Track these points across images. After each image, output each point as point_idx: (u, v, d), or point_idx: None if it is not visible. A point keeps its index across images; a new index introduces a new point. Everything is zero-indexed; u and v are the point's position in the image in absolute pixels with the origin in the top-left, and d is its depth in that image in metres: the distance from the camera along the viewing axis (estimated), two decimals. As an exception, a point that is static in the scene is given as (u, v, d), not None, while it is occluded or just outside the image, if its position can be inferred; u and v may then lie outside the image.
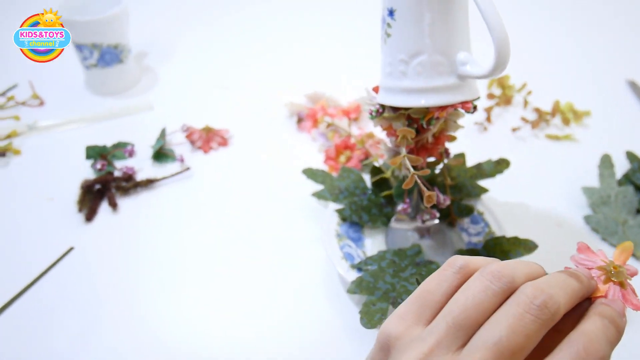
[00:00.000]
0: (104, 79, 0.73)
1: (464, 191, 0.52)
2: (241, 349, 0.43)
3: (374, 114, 0.42)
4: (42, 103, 0.73)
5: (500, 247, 0.46)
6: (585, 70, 0.80)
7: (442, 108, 0.39)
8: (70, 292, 0.48)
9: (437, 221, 0.48)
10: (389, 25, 0.39)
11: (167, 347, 0.44)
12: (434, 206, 0.46)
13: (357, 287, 0.42)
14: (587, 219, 0.54)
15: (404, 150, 0.42)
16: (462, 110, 0.41)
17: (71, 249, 0.51)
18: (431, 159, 0.46)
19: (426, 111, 0.40)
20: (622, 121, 0.70)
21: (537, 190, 0.58)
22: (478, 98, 0.41)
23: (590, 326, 0.25)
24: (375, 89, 0.43)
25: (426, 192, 0.40)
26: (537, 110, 0.69)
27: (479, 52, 0.40)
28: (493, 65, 0.35)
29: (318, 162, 0.61)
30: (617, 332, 0.26)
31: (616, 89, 0.76)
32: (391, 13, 0.38)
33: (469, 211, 0.51)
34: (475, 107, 0.41)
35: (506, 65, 0.35)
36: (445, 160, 0.47)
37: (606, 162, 0.60)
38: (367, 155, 0.59)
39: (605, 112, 0.71)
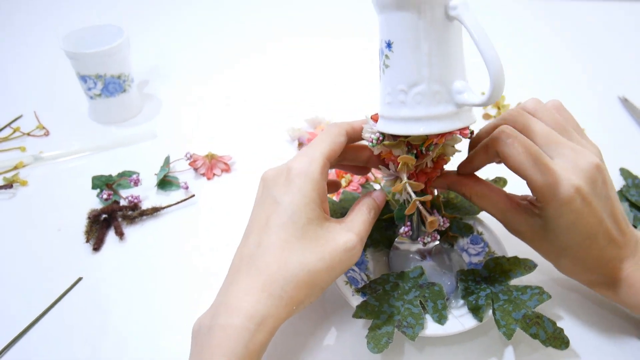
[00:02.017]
0: (108, 109, 0.75)
1: (462, 210, 0.53)
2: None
3: (374, 142, 0.43)
4: (47, 133, 0.74)
5: (500, 267, 0.47)
6: (579, 88, 0.82)
7: (441, 135, 0.41)
8: (80, 323, 0.48)
9: (437, 243, 0.49)
10: (387, 56, 0.40)
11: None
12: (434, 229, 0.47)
13: (362, 312, 0.43)
14: (585, 237, 0.55)
15: (404, 176, 0.43)
16: (460, 136, 0.42)
17: (80, 279, 0.52)
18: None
19: (425, 138, 0.42)
20: (615, 138, 0.71)
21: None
22: (475, 122, 0.42)
23: None
24: (374, 117, 0.44)
25: (429, 218, 0.41)
26: (533, 129, 0.70)
27: (472, 80, 0.41)
28: (489, 95, 0.36)
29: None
30: None
31: (609, 106, 0.78)
32: (389, 45, 0.40)
33: (468, 229, 0.53)
34: (472, 132, 0.43)
35: (501, 93, 0.37)
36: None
37: (601, 180, 0.61)
38: (367, 178, 0.60)
39: (598, 129, 0.72)
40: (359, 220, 0.43)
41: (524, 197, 0.45)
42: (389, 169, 0.46)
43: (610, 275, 0.42)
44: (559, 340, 0.42)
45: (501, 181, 0.55)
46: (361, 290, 0.46)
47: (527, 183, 0.41)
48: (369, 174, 0.58)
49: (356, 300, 0.45)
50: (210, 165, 0.65)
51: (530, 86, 0.82)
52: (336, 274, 0.40)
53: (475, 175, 0.48)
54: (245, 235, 0.42)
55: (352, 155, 0.47)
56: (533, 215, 0.43)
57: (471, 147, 0.47)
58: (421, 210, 0.43)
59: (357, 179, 0.61)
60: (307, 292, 0.39)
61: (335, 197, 0.59)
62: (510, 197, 0.45)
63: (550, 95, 0.79)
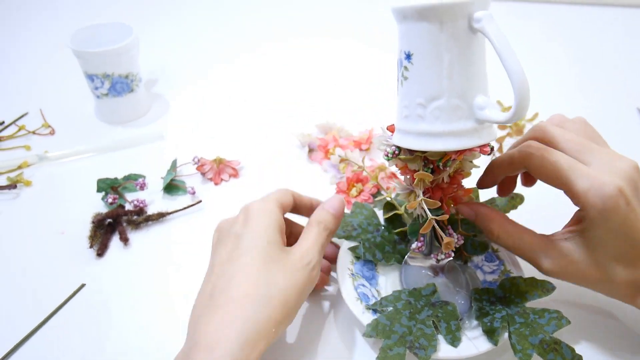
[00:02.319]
0: (115, 108, 0.73)
1: (477, 228, 0.52)
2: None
3: (389, 155, 0.42)
4: (52, 132, 0.73)
5: (516, 288, 0.45)
6: (596, 99, 0.80)
7: (460, 151, 0.39)
8: (82, 331, 0.47)
9: (451, 259, 0.47)
10: (405, 68, 0.38)
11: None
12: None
13: (373, 331, 0.42)
14: (603, 256, 0.53)
15: (420, 193, 0.41)
16: (480, 153, 0.40)
17: (83, 285, 0.51)
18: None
19: (443, 154, 0.40)
20: (634, 149, 0.69)
21: (553, 226, 0.57)
22: (495, 139, 0.40)
23: None
24: (390, 128, 0.43)
25: (445, 239, 0.39)
26: (549, 140, 0.68)
27: (494, 94, 0.40)
28: (513, 111, 0.35)
29: (329, 194, 0.60)
30: None
31: (627, 117, 0.76)
32: (408, 57, 0.38)
33: (483, 248, 0.51)
34: (492, 149, 0.41)
35: (526, 110, 0.35)
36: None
37: (620, 196, 0.59)
38: (378, 189, 0.59)
39: (616, 141, 0.69)
40: (309, 236, 0.43)
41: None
42: (403, 182, 0.44)
43: None
44: (577, 367, 0.40)
45: (518, 198, 0.53)
46: (372, 308, 0.45)
47: (566, 192, 0.40)
48: (380, 184, 0.57)
49: (367, 318, 0.44)
50: (218, 170, 0.64)
51: (546, 98, 0.80)
52: (304, 293, 0.40)
53: (504, 215, 0.46)
54: (206, 277, 0.41)
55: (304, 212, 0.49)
56: (575, 237, 0.41)
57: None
58: (436, 229, 0.41)
59: (368, 188, 0.59)
60: (282, 311, 0.38)
61: (346, 209, 0.57)
62: (541, 235, 0.44)
63: (567, 106, 0.78)
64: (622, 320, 0.48)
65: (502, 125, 0.72)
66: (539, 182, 0.63)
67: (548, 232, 0.57)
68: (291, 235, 0.49)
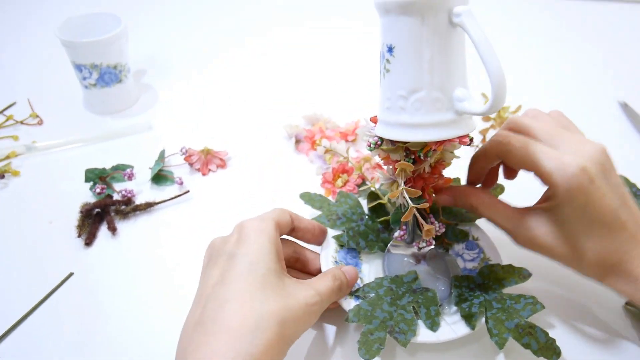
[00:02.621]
0: (103, 99, 0.74)
1: (458, 216, 0.53)
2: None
3: (372, 145, 0.43)
4: (40, 122, 0.73)
5: (494, 275, 0.47)
6: (578, 92, 0.82)
7: (440, 142, 0.40)
8: (71, 318, 0.48)
9: (432, 247, 0.49)
10: (387, 61, 0.39)
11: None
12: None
13: (355, 316, 0.43)
14: (580, 244, 0.55)
15: (402, 182, 0.43)
16: (459, 144, 0.42)
17: (71, 274, 0.52)
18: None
19: (424, 144, 0.41)
20: (614, 143, 0.70)
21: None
22: (474, 130, 0.42)
23: None
24: (374, 120, 0.44)
25: (425, 226, 0.41)
26: (531, 133, 0.70)
27: (474, 87, 0.41)
28: (490, 104, 0.36)
29: (315, 185, 0.62)
30: None
31: (609, 111, 0.78)
32: (390, 49, 0.39)
33: (463, 236, 0.52)
34: (471, 140, 0.42)
35: (503, 103, 0.36)
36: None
37: (598, 187, 0.61)
38: (363, 179, 0.60)
39: (597, 134, 0.71)
40: (323, 283, 0.41)
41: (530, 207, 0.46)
42: (386, 172, 0.45)
43: (629, 271, 0.41)
44: (550, 350, 0.41)
45: (498, 188, 0.54)
46: (354, 294, 0.46)
47: (535, 173, 0.42)
48: (365, 175, 0.58)
49: (349, 303, 0.45)
50: (206, 161, 0.64)
51: (529, 90, 0.81)
52: (300, 330, 0.38)
53: (481, 188, 0.48)
54: (196, 300, 0.38)
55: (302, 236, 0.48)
56: (544, 213, 0.43)
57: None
58: (418, 217, 0.43)
59: (354, 179, 0.60)
60: (278, 344, 0.35)
61: (331, 197, 0.59)
62: (517, 207, 0.46)
63: (549, 99, 0.79)
64: (595, 306, 0.49)
65: (486, 118, 0.73)
66: (520, 173, 0.65)
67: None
68: (298, 261, 0.48)
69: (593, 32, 0.99)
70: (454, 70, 0.38)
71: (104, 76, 0.71)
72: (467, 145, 0.42)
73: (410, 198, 0.42)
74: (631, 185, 0.61)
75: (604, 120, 0.76)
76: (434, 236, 0.48)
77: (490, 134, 0.72)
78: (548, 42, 0.96)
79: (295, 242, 0.48)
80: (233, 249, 0.39)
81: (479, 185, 0.50)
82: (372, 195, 0.54)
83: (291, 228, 0.45)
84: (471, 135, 0.42)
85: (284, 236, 0.46)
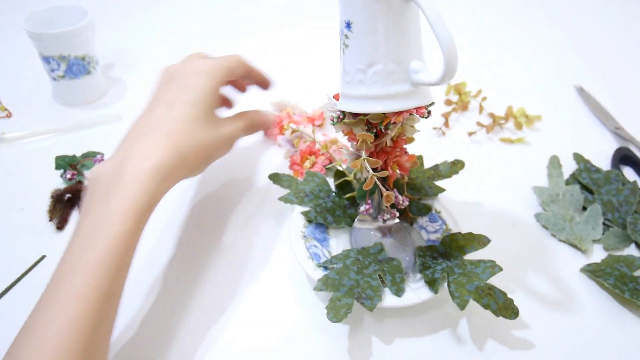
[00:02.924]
0: (72, 90, 0.74)
1: (422, 191, 0.55)
2: (211, 348, 0.45)
3: (335, 120, 0.45)
4: (9, 115, 0.73)
5: (456, 243, 0.49)
6: (537, 77, 0.85)
7: (398, 113, 0.42)
8: (43, 299, 0.49)
9: (397, 220, 0.51)
10: (346, 36, 0.41)
11: (138, 351, 0.45)
12: (393, 206, 0.49)
13: (323, 285, 0.45)
14: (538, 217, 0.58)
15: (364, 154, 0.44)
16: (417, 115, 0.44)
17: (43, 257, 0.52)
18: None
19: (383, 116, 0.43)
20: (570, 125, 0.74)
21: (491, 190, 0.62)
22: (432, 104, 0.43)
23: None
24: (336, 97, 0.46)
25: (385, 192, 0.43)
26: (492, 115, 0.73)
27: (434, 60, 0.43)
28: (442, 73, 0.38)
29: (284, 168, 0.64)
30: None
31: (565, 95, 0.81)
32: (348, 25, 0.41)
33: (426, 210, 0.55)
34: (429, 112, 0.44)
35: (454, 73, 0.38)
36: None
37: (554, 163, 0.64)
38: (331, 161, 0.62)
39: (555, 117, 0.75)
40: (240, 123, 0.52)
41: None
42: (351, 149, 0.47)
43: None
44: (509, 310, 0.43)
45: (459, 164, 0.56)
46: (322, 265, 0.48)
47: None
48: (332, 155, 0.60)
49: (317, 274, 0.46)
50: (176, 147, 0.65)
51: (489, 73, 0.85)
52: (220, 155, 0.51)
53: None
54: (149, 109, 0.48)
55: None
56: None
57: None
58: (379, 186, 0.45)
59: (321, 161, 0.62)
60: (203, 159, 0.47)
61: (300, 178, 0.60)
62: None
63: (509, 84, 0.83)
64: (552, 270, 0.52)
65: (448, 101, 0.76)
66: (481, 154, 0.67)
67: (486, 197, 0.61)
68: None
69: (553, 21, 1.03)
70: (409, 43, 0.40)
71: (72, 68, 0.72)
72: (425, 117, 0.44)
73: (372, 169, 0.44)
74: (585, 162, 0.64)
75: (562, 104, 0.79)
76: (398, 208, 0.50)
77: (453, 117, 0.74)
78: (510, 30, 1.00)
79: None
80: (185, 81, 0.48)
81: None
82: (339, 173, 0.56)
83: (244, 73, 0.55)
84: (429, 108, 0.44)
85: None
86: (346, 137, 0.47)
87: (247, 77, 0.56)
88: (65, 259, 0.38)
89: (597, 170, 0.62)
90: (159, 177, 0.42)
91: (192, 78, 0.48)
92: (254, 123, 0.55)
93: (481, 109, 0.75)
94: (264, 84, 0.59)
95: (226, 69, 0.51)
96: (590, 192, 0.60)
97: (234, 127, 0.51)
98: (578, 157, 0.65)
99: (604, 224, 0.57)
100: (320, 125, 0.69)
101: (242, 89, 0.60)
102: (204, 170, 0.50)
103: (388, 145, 0.47)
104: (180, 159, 0.44)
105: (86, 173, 0.62)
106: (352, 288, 0.45)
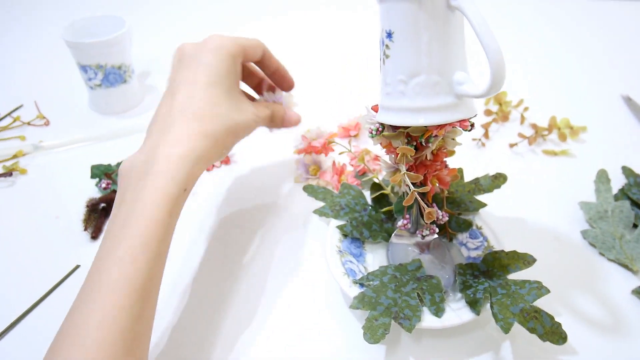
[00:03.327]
0: (108, 99, 0.74)
1: (462, 206, 0.53)
2: (245, 365, 0.44)
3: (373, 132, 0.43)
4: (47, 123, 0.74)
5: (499, 262, 0.47)
6: (581, 86, 0.82)
7: (441, 126, 0.40)
8: (77, 310, 0.48)
9: (436, 236, 0.49)
10: (387, 46, 0.40)
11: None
12: (433, 222, 0.47)
13: (359, 303, 0.43)
14: (585, 234, 0.55)
15: (403, 168, 0.43)
16: (460, 128, 0.42)
17: (77, 266, 0.52)
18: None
19: (425, 129, 0.41)
20: (617, 136, 0.71)
21: (534, 205, 0.59)
22: (475, 115, 0.42)
23: None
24: (375, 108, 0.44)
25: (426, 209, 0.41)
26: (534, 126, 0.70)
27: (476, 72, 0.41)
28: (489, 85, 0.36)
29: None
30: None
31: (612, 105, 0.78)
32: (389, 35, 0.39)
33: (467, 226, 0.52)
34: (472, 125, 0.42)
35: (502, 85, 0.36)
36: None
37: (602, 177, 0.61)
38: (364, 171, 0.60)
39: (601, 128, 0.72)
40: (266, 110, 0.52)
41: None
42: (389, 161, 0.46)
43: None
44: (556, 335, 0.41)
45: (501, 177, 0.54)
46: (359, 282, 0.46)
47: None
48: (366, 166, 0.58)
49: (353, 291, 0.45)
50: (210, 157, 0.65)
51: (533, 83, 0.82)
52: (246, 134, 0.49)
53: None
54: (170, 92, 0.46)
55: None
56: None
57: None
58: (419, 202, 0.43)
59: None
60: (231, 140, 0.46)
61: (334, 190, 0.59)
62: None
63: (554, 94, 0.80)
64: (602, 291, 0.49)
65: (488, 111, 0.73)
66: (523, 166, 0.65)
67: (529, 212, 0.58)
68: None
69: (597, 28, 1.00)
70: (453, 53, 0.39)
71: (109, 76, 0.72)
72: (468, 130, 0.42)
73: (412, 184, 0.43)
74: (635, 176, 0.61)
75: (608, 114, 0.76)
76: (437, 223, 0.48)
77: (493, 128, 0.72)
78: (553, 38, 0.96)
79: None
80: (204, 59, 0.46)
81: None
82: (375, 186, 0.54)
83: (259, 59, 0.53)
84: (472, 120, 0.42)
85: None
86: (384, 149, 0.45)
87: (266, 67, 0.54)
88: (100, 254, 0.38)
89: (649, 185, 0.59)
90: (190, 163, 0.41)
91: (207, 55, 0.46)
92: (278, 118, 0.54)
93: (523, 119, 0.72)
94: (284, 80, 0.56)
95: (242, 46, 0.49)
96: (641, 208, 0.57)
97: (259, 112, 0.50)
98: (627, 171, 0.62)
99: (656, 242, 0.54)
100: (355, 136, 0.67)
101: (259, 86, 0.58)
102: (230, 150, 0.49)
103: (428, 158, 0.45)
104: (210, 142, 0.43)
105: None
106: (389, 307, 0.43)
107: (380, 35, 0.40)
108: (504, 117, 0.72)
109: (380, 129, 0.43)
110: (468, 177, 0.55)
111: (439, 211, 0.47)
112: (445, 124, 0.40)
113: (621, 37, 0.97)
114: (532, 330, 0.41)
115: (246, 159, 0.67)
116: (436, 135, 0.42)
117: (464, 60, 0.40)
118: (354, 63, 0.88)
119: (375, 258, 0.52)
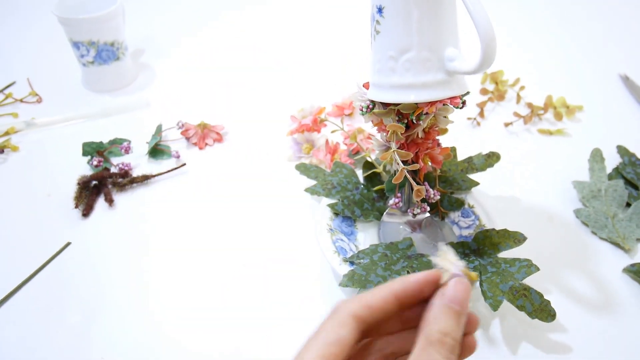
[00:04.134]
0: (101, 76, 0.74)
1: (454, 185, 0.53)
2: (235, 342, 0.44)
3: (364, 110, 0.43)
4: (39, 100, 0.73)
5: (489, 240, 0.47)
6: (578, 65, 0.81)
7: (431, 103, 0.40)
8: (68, 287, 0.49)
9: (428, 215, 0.48)
10: (377, 22, 0.39)
11: (162, 340, 0.44)
12: (424, 200, 0.47)
13: (349, 280, 0.43)
14: (577, 213, 0.55)
15: (394, 146, 0.42)
16: (451, 106, 0.41)
17: (68, 244, 0.52)
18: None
19: (415, 107, 0.41)
20: (614, 115, 0.70)
21: (528, 184, 0.59)
22: (467, 93, 0.41)
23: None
24: (366, 85, 0.44)
25: (415, 186, 0.41)
26: (530, 105, 0.69)
27: (470, 48, 0.41)
28: (479, 61, 0.35)
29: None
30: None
31: (609, 84, 0.77)
32: (380, 10, 0.39)
33: (459, 204, 0.52)
34: (464, 103, 0.42)
35: (492, 61, 0.36)
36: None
37: (596, 156, 0.60)
38: (357, 150, 0.60)
39: (597, 107, 0.71)
40: None
41: None
42: (381, 139, 0.45)
43: None
44: (545, 312, 0.41)
45: (494, 156, 0.54)
46: (349, 260, 0.46)
47: None
48: (359, 145, 0.58)
49: (343, 269, 0.45)
50: (203, 135, 0.65)
51: (527, 61, 0.81)
52: None
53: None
54: None
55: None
56: None
57: None
58: (409, 179, 0.43)
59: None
60: None
61: (326, 168, 0.59)
62: None
63: (552, 73, 0.79)
64: (592, 270, 0.49)
65: (484, 90, 0.73)
66: (518, 145, 0.64)
67: (523, 191, 0.58)
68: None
69: (596, 6, 0.98)
70: (444, 30, 0.38)
71: (102, 53, 0.71)
72: (460, 108, 0.41)
73: (402, 161, 0.42)
74: (630, 155, 0.61)
75: (605, 93, 0.75)
76: (429, 203, 0.48)
77: (489, 107, 0.71)
78: (550, 16, 0.95)
79: None
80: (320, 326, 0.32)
81: None
82: (367, 165, 0.54)
83: (391, 308, 0.30)
84: (463, 97, 0.41)
85: None
86: (375, 127, 0.45)
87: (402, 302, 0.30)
88: None
89: (643, 164, 0.59)
90: None
91: (326, 321, 0.32)
92: (451, 342, 0.28)
93: (519, 98, 0.72)
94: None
95: (371, 308, 0.31)
96: (635, 187, 0.57)
97: None
98: (622, 150, 0.62)
99: (649, 222, 0.53)
100: (350, 115, 0.67)
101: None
102: None
103: (420, 136, 0.45)
104: None
105: (112, 160, 0.61)
106: (379, 285, 0.43)
107: (371, 10, 0.40)
108: (499, 96, 0.72)
109: (370, 106, 0.42)
110: (463, 156, 0.55)
111: (430, 189, 0.47)
112: (436, 101, 0.40)
113: (620, 15, 0.95)
114: (520, 307, 0.41)
115: (239, 136, 0.66)
116: (427, 113, 0.41)
117: (455, 36, 0.39)
118: (350, 42, 0.87)
119: (366, 237, 0.51)
